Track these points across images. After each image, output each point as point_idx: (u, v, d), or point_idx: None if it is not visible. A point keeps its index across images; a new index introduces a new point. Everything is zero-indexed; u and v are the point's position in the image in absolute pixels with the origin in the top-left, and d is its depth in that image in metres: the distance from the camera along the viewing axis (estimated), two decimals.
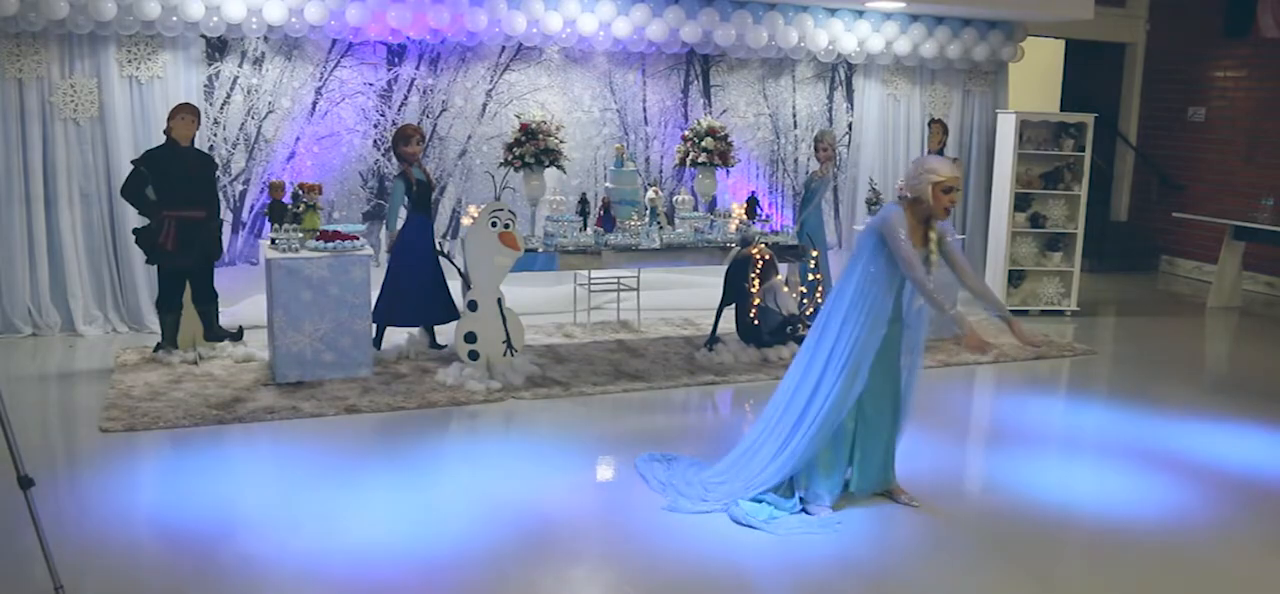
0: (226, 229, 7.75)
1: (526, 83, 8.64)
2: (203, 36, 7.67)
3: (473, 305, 6.44)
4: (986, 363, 7.42)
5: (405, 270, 6.90)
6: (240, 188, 8.01)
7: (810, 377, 4.49)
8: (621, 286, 8.40)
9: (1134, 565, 4.17)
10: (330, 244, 6.37)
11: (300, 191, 6.77)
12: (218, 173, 7.20)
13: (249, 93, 7.93)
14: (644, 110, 9.08)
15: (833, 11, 9.13)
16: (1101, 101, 11.58)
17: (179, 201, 6.47)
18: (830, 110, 9.64)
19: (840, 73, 9.63)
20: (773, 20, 8.88)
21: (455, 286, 7.03)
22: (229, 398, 6.00)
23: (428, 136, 8.23)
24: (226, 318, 7.27)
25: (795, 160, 9.59)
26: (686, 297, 8.98)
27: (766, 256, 6.99)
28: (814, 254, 7.65)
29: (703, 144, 8.10)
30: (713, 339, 7.23)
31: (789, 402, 4.57)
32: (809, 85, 9.54)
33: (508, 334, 6.52)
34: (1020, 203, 9.29)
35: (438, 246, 7.09)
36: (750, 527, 4.34)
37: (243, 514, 4.55)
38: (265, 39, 7.85)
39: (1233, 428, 6.01)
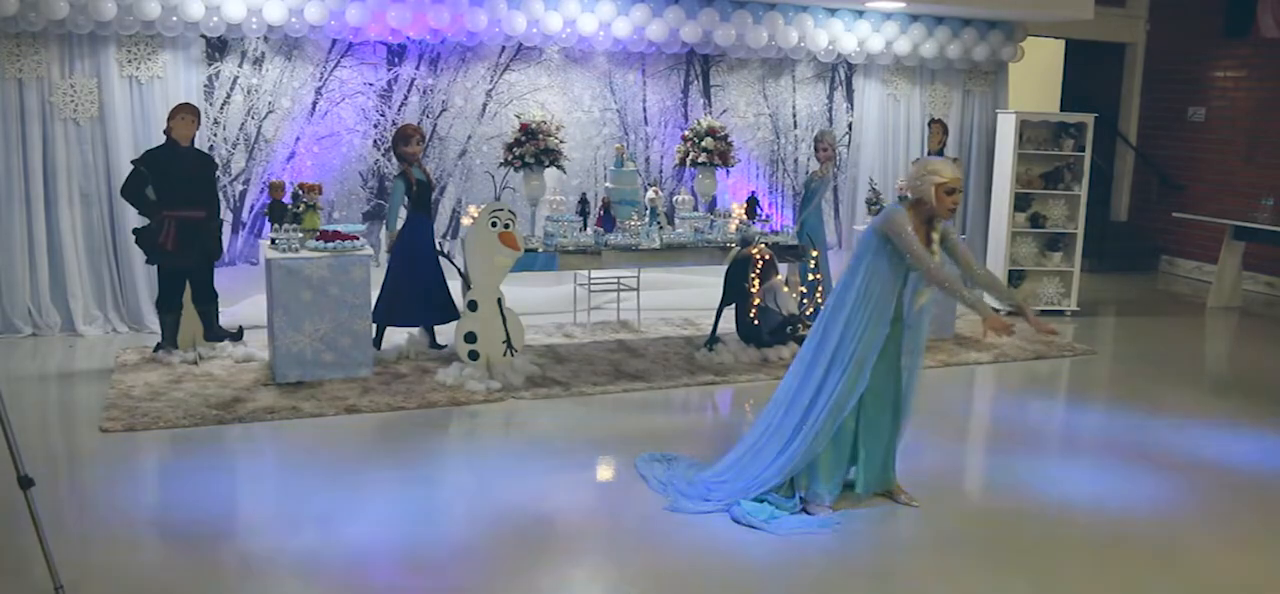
0: (226, 229, 7.75)
1: (526, 83, 8.64)
2: (203, 36, 7.67)
3: (473, 305, 6.44)
4: (987, 363, 7.42)
5: (405, 270, 6.90)
6: (240, 188, 8.01)
7: (813, 376, 4.49)
8: (621, 286, 8.40)
9: (1133, 565, 4.17)
10: (330, 244, 6.37)
11: (300, 191, 6.77)
12: (218, 173, 7.20)
13: (249, 93, 7.93)
14: (644, 110, 9.08)
15: (833, 11, 9.13)
16: (1101, 101, 11.58)
17: (179, 201, 6.47)
18: (830, 110, 9.64)
19: (840, 73, 9.63)
20: (773, 20, 8.88)
21: (455, 286, 7.03)
22: (229, 398, 6.00)
23: (428, 136, 8.23)
24: (226, 318, 7.27)
25: (795, 160, 9.59)
26: (686, 297, 8.98)
27: (766, 256, 6.99)
28: (814, 254, 7.65)
29: (703, 144, 8.10)
30: (713, 339, 7.23)
31: (791, 401, 4.57)
32: (809, 85, 9.54)
33: (508, 334, 6.52)
34: (1020, 203, 9.29)
35: (438, 247, 7.09)
36: (751, 526, 4.34)
37: (243, 514, 4.55)
38: (265, 39, 7.85)
39: (1232, 428, 6.01)
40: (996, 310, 4.64)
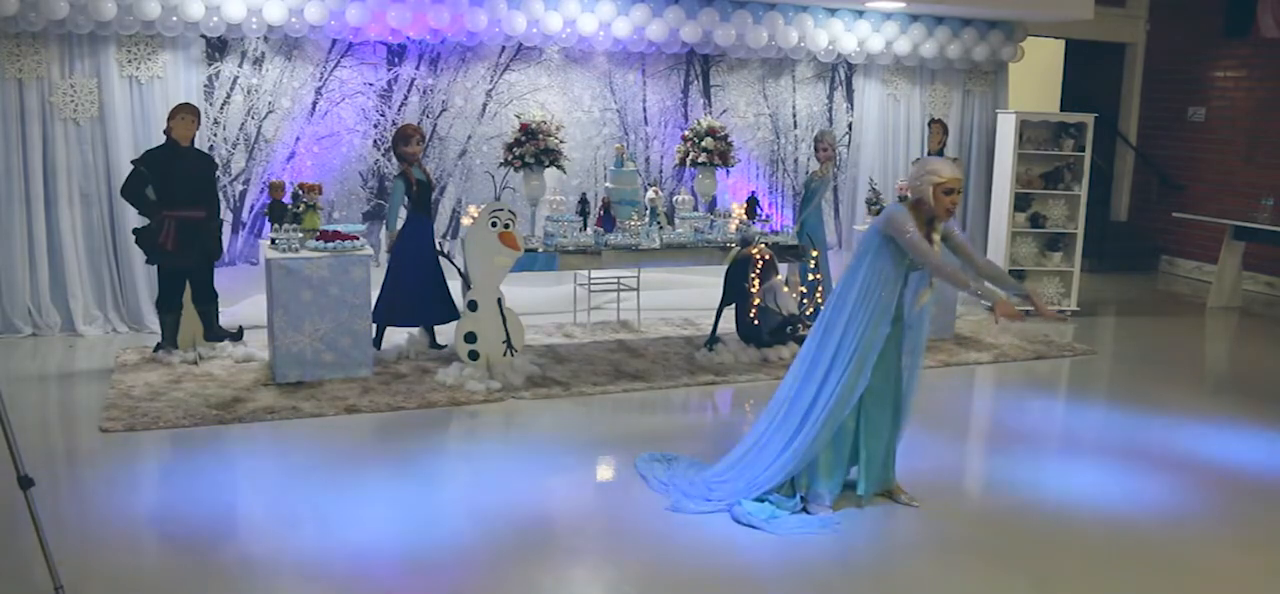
0: (226, 229, 7.75)
1: (526, 83, 8.64)
2: (203, 36, 7.67)
3: (473, 305, 6.44)
4: (987, 363, 7.42)
5: (405, 270, 6.90)
6: (240, 188, 8.01)
7: (814, 375, 4.49)
8: (621, 286, 8.40)
9: (1133, 565, 4.17)
10: (330, 244, 6.37)
11: (300, 191, 6.77)
12: (218, 173, 7.20)
13: (249, 93, 7.93)
14: (644, 110, 9.08)
15: (833, 11, 9.13)
16: (1101, 101, 11.58)
17: (179, 201, 6.47)
18: (830, 110, 9.64)
19: (840, 73, 9.63)
20: (773, 20, 8.88)
21: (455, 286, 7.02)
22: (229, 398, 6.00)
23: (428, 136, 8.23)
24: (226, 318, 7.27)
25: (795, 160, 9.59)
26: (686, 297, 8.98)
27: (766, 256, 6.99)
28: (814, 254, 7.65)
29: (703, 144, 8.10)
30: (713, 339, 7.23)
31: (792, 401, 4.57)
32: (809, 85, 9.54)
33: (508, 334, 6.52)
34: (1020, 203, 9.29)
35: (438, 246, 7.09)
36: (752, 526, 4.34)
37: (243, 514, 4.55)
38: (265, 39, 7.85)
39: (1232, 428, 6.00)
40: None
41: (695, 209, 7.89)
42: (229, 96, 7.89)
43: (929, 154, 8.83)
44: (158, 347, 6.81)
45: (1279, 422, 6.13)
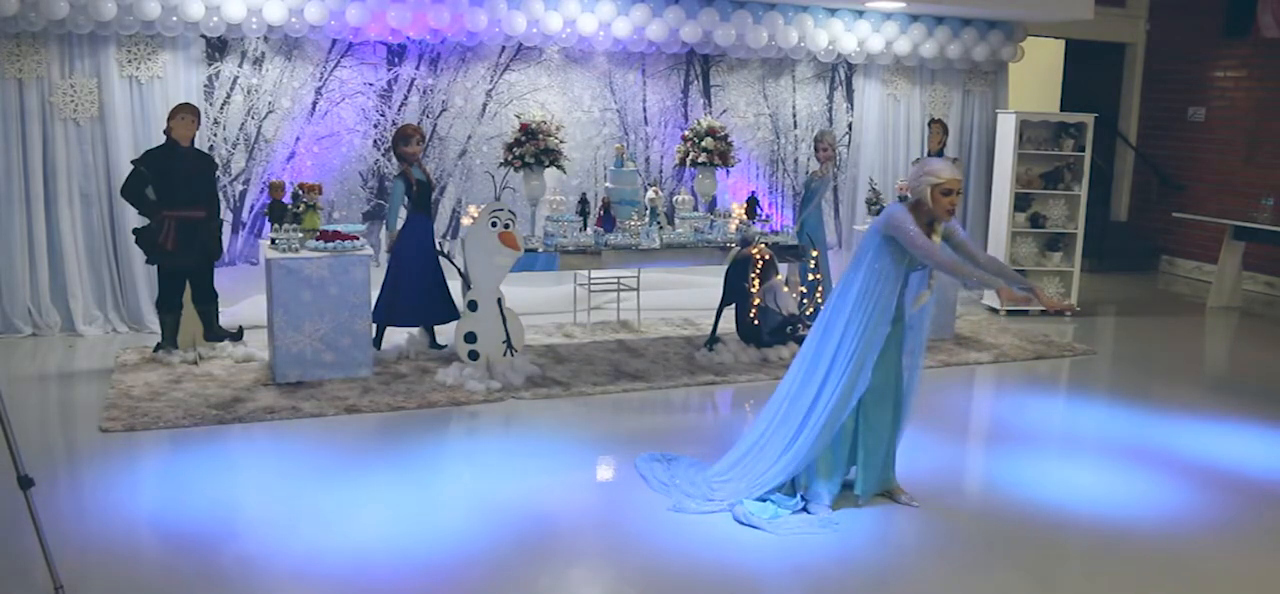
0: (226, 229, 7.75)
1: (526, 83, 8.64)
2: (203, 36, 7.67)
3: (473, 305, 6.44)
4: (987, 363, 7.42)
5: (405, 270, 6.90)
6: (240, 188, 8.01)
7: (815, 375, 4.49)
8: (621, 286, 8.40)
9: (1134, 565, 4.17)
10: (330, 244, 6.37)
11: (300, 191, 6.77)
12: (218, 173, 7.20)
13: (249, 93, 7.93)
14: (644, 110, 9.08)
15: (833, 11, 9.13)
16: (1101, 101, 11.57)
17: (179, 201, 6.47)
18: (830, 110, 9.64)
19: (840, 73, 9.63)
20: (773, 20, 8.88)
21: (455, 286, 7.02)
22: (229, 398, 6.00)
23: (428, 136, 8.23)
24: (226, 318, 7.27)
25: (795, 160, 9.59)
26: (686, 296, 8.98)
27: (766, 256, 6.99)
28: (814, 254, 7.66)
29: (703, 144, 8.09)
30: (713, 339, 7.23)
31: (793, 400, 4.57)
32: (809, 85, 9.54)
33: (508, 334, 6.52)
34: (1020, 203, 9.29)
35: (438, 246, 7.09)
36: (753, 526, 4.34)
37: (242, 514, 4.55)
38: (265, 39, 7.85)
39: (1233, 428, 6.00)
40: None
41: (695, 209, 7.89)
42: (229, 96, 7.89)
43: (929, 154, 8.84)
44: (158, 347, 6.81)
45: (1279, 422, 6.13)
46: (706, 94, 9.24)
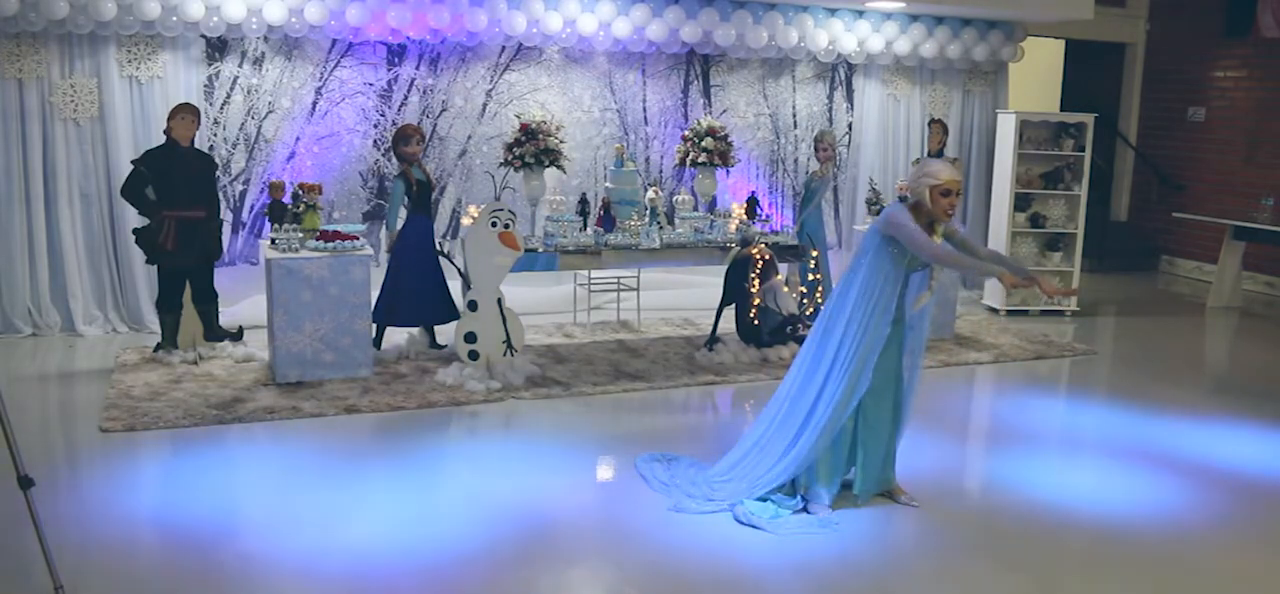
0: (226, 229, 7.75)
1: (526, 83, 8.64)
2: (203, 36, 7.67)
3: (473, 305, 6.44)
4: (987, 363, 7.42)
5: (405, 270, 6.90)
6: (240, 188, 8.01)
7: (816, 375, 4.49)
8: (621, 286, 8.40)
9: (1134, 565, 4.17)
10: (330, 244, 6.37)
11: (300, 191, 6.77)
12: (218, 173, 7.20)
13: (249, 93, 7.93)
14: (644, 110, 9.08)
15: (833, 11, 9.13)
16: (1101, 101, 11.57)
17: (179, 201, 6.47)
18: (830, 110, 9.64)
19: (840, 73, 9.63)
20: (773, 20, 8.88)
21: (455, 286, 7.03)
22: (229, 398, 6.00)
23: (428, 136, 8.23)
24: (226, 318, 7.27)
25: (795, 160, 9.59)
26: (686, 297, 8.98)
27: (766, 256, 6.98)
28: (814, 254, 7.65)
29: (703, 144, 8.09)
30: (713, 339, 7.23)
31: (794, 400, 4.57)
32: (809, 85, 9.54)
33: (508, 334, 6.52)
34: (1020, 203, 9.29)
35: (438, 246, 7.09)
36: (753, 526, 4.34)
37: (243, 514, 4.55)
38: (265, 39, 7.85)
39: (1233, 428, 6.00)
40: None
41: (695, 209, 7.89)
42: (229, 96, 7.89)
43: (929, 154, 8.84)
44: (158, 347, 6.81)
45: (1279, 422, 6.13)
46: (706, 94, 9.24)
